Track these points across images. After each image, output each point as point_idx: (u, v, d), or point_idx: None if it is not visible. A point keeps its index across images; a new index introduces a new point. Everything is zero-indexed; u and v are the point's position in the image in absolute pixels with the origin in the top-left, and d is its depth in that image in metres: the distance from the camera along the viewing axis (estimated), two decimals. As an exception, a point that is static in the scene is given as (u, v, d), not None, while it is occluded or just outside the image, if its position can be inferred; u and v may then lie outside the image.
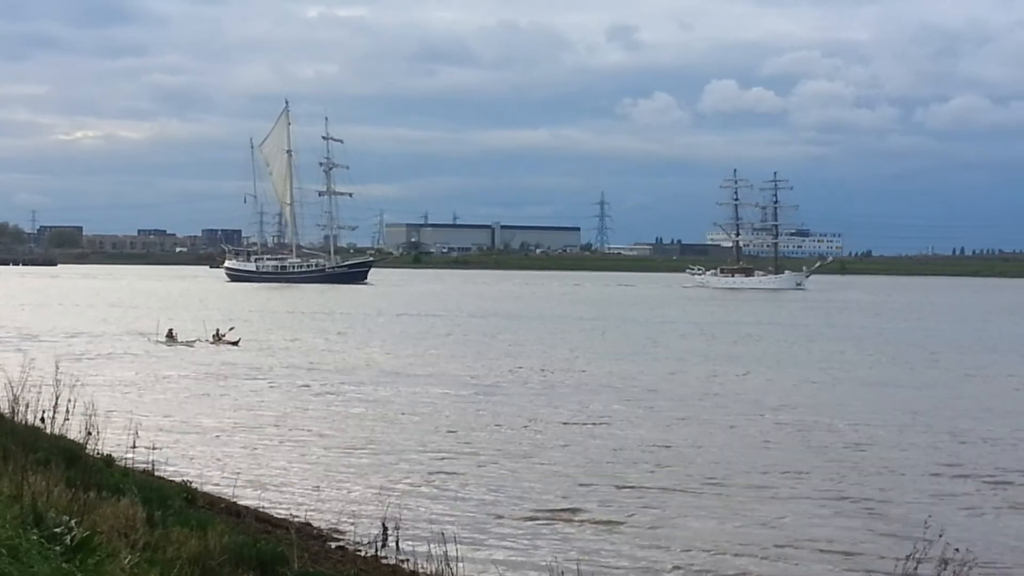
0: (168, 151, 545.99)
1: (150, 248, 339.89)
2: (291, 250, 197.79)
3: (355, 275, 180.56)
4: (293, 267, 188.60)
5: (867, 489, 25.14)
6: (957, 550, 12.21)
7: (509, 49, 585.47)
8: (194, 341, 57.76)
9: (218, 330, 59.69)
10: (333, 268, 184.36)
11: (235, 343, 57.96)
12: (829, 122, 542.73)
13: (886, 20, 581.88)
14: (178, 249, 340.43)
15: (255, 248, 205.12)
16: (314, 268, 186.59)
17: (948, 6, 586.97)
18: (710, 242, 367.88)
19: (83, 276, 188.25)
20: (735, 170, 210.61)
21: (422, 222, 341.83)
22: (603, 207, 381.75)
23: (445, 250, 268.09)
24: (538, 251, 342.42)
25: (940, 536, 12.43)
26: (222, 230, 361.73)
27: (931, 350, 63.24)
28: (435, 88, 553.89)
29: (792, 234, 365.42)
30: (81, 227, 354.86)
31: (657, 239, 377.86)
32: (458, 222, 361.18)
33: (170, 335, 58.69)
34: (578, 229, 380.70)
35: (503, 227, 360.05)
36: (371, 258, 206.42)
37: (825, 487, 25.35)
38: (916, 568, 11.89)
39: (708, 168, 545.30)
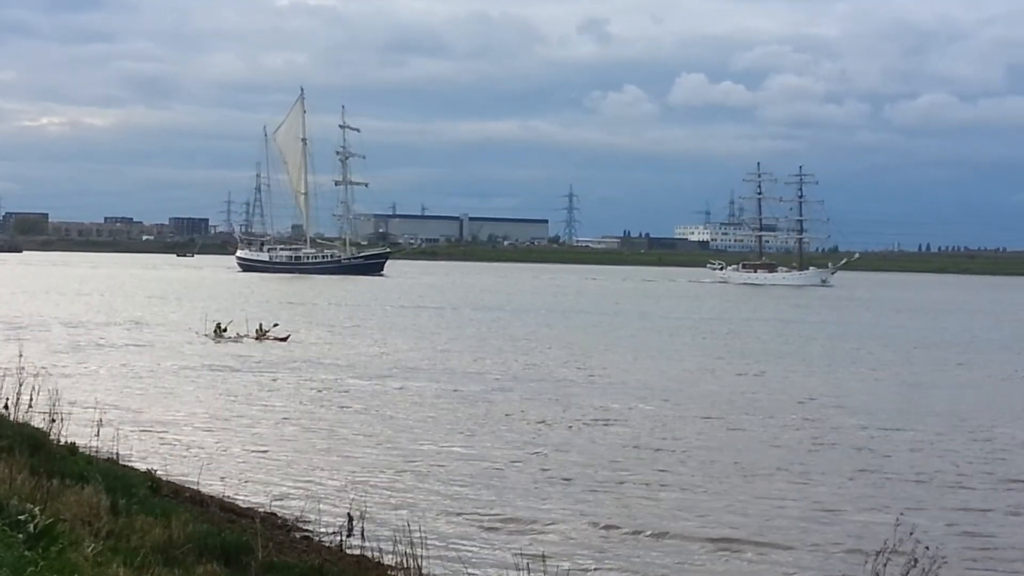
0: (135, 139, 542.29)
1: (116, 236, 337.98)
2: (305, 240, 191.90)
3: (371, 267, 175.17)
4: (307, 257, 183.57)
5: (842, 486, 25.24)
6: (927, 548, 12.22)
7: (480, 40, 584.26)
8: (244, 336, 56.15)
9: (260, 325, 57.71)
10: (349, 259, 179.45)
11: (284, 339, 56.01)
12: (798, 117, 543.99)
13: (857, 16, 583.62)
14: (145, 237, 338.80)
15: (268, 238, 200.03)
16: (329, 259, 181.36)
17: (918, 3, 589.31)
18: (678, 236, 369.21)
19: (65, 264, 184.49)
20: (759, 163, 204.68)
21: (390, 213, 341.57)
22: (571, 200, 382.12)
23: (413, 241, 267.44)
24: (506, 243, 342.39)
25: (911, 534, 12.42)
26: (189, 219, 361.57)
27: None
28: (405, 79, 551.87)
29: (759, 229, 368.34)
30: (47, 214, 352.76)
31: (625, 232, 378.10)
32: (426, 213, 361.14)
33: (218, 330, 56.84)
34: (546, 221, 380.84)
35: (471, 219, 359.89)
36: (388, 249, 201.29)
37: (799, 484, 25.39)
38: (886, 565, 11.90)
39: (676, 162, 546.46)
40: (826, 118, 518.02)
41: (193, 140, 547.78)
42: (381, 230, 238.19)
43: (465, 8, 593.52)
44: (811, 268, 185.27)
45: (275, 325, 58.06)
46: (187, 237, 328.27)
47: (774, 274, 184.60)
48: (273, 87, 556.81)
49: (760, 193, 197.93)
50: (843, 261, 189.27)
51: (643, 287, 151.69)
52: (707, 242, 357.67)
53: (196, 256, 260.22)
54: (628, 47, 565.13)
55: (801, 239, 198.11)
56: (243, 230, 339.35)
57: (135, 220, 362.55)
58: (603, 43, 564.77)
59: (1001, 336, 75.25)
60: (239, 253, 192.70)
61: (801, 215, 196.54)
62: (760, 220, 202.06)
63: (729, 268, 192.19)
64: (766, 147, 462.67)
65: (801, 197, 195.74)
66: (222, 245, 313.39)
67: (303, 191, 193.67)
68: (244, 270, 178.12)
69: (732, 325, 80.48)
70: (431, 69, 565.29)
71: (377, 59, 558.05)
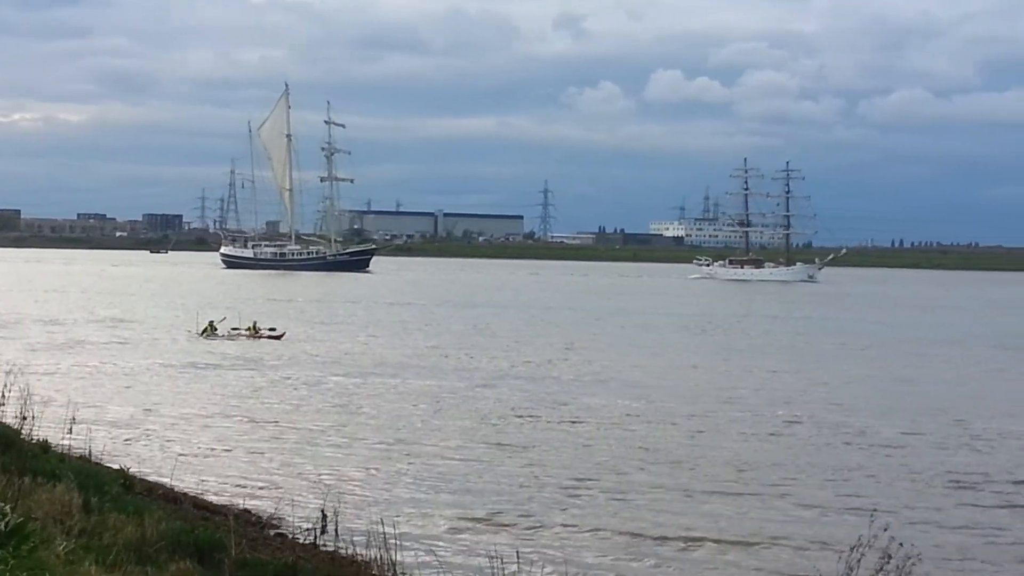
0: (110, 135, 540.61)
1: (90, 232, 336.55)
2: (290, 237, 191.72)
3: (357, 263, 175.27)
4: (292, 254, 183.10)
5: (818, 483, 25.34)
6: (901, 544, 12.25)
7: (456, 36, 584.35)
8: (236, 335, 55.67)
9: (255, 323, 57.42)
10: (335, 256, 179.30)
11: (278, 337, 55.62)
12: (774, 113, 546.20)
13: (834, 12, 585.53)
14: (118, 234, 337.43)
15: (252, 235, 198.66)
16: (314, 255, 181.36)
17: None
18: (653, 231, 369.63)
19: (39, 261, 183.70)
20: (745, 159, 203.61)
21: (365, 209, 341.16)
22: (546, 196, 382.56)
23: (388, 237, 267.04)
24: (481, 239, 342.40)
25: (885, 530, 12.45)
26: (163, 215, 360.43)
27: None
28: (381, 75, 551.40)
29: (734, 225, 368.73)
30: (19, 210, 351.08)
31: (600, 228, 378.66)
32: (401, 209, 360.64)
33: (210, 328, 56.29)
34: (521, 217, 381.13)
35: (446, 215, 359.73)
36: (373, 245, 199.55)
37: (773, 481, 25.45)
38: (860, 560, 11.92)
39: (652, 158, 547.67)
40: (802, 114, 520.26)
41: (168, 136, 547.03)
42: (356, 226, 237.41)
43: (442, 4, 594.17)
44: (798, 264, 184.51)
45: (272, 329, 57.47)
46: (161, 234, 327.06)
47: (761, 270, 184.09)
48: (249, 83, 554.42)
49: (747, 189, 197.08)
50: (830, 257, 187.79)
51: (628, 283, 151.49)
52: (682, 238, 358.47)
53: (170, 253, 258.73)
54: (604, 43, 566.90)
55: (788, 235, 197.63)
56: (217, 227, 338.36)
57: (108, 216, 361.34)
58: (579, 39, 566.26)
59: (991, 332, 75.28)
60: (223, 250, 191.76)
61: (788, 211, 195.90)
62: (747, 216, 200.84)
63: (716, 264, 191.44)
64: (742, 143, 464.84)
65: (788, 193, 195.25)
66: (196, 242, 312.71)
67: (288, 187, 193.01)
68: (228, 267, 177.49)
69: (722, 322, 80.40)
70: (407, 65, 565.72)
71: (353, 55, 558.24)
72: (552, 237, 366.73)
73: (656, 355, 53.68)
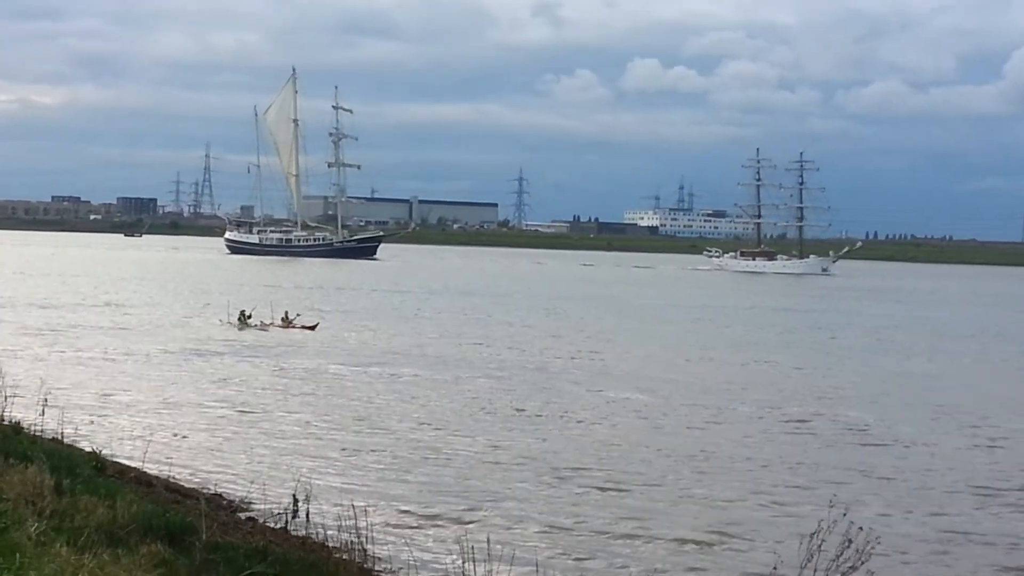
0: (84, 117, 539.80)
1: (64, 215, 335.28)
2: (295, 223, 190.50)
3: (364, 250, 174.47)
4: (299, 240, 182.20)
5: (786, 473, 25.51)
6: (861, 528, 12.40)
7: (432, 23, 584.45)
8: (269, 324, 54.31)
9: (287, 313, 56.06)
10: (342, 242, 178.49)
11: (311, 327, 54.33)
12: (750, 103, 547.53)
13: (811, 3, 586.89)
14: (92, 216, 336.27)
15: (257, 220, 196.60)
16: (321, 242, 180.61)
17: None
18: (628, 220, 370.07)
19: (24, 244, 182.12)
20: (758, 149, 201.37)
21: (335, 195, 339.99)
22: (521, 183, 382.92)
23: (362, 224, 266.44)
24: (455, 226, 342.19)
25: (844, 515, 12.60)
26: (137, 198, 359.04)
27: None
28: (356, 61, 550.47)
29: (709, 215, 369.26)
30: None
31: (575, 217, 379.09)
32: (376, 196, 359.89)
33: (243, 317, 54.96)
34: (496, 205, 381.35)
35: (421, 201, 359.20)
36: (380, 233, 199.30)
37: (743, 473, 25.60)
38: (820, 546, 12.06)
39: (628, 147, 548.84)
40: (778, 104, 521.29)
41: (142, 119, 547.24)
42: (329, 212, 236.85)
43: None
44: (812, 256, 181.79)
45: (298, 315, 56.45)
46: (135, 217, 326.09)
47: (773, 262, 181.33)
48: (224, 67, 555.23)
49: (759, 180, 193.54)
50: (845, 250, 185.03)
51: (635, 274, 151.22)
52: (656, 227, 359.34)
53: (144, 236, 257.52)
54: (581, 31, 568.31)
55: (801, 226, 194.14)
56: (192, 211, 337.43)
57: (83, 199, 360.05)
58: (555, 27, 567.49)
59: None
60: (228, 235, 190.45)
61: (801, 202, 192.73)
62: (759, 207, 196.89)
63: (726, 256, 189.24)
64: (718, 133, 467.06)
65: (802, 184, 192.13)
66: (171, 225, 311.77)
67: (294, 173, 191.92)
68: (233, 252, 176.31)
69: (736, 314, 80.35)
70: (383, 51, 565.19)
71: (328, 40, 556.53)
72: (526, 225, 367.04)
73: (659, 348, 53.24)
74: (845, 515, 12.57)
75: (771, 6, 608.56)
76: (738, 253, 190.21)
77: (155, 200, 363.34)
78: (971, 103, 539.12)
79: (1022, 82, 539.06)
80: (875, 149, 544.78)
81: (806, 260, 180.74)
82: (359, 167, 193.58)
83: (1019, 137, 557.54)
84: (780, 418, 33.17)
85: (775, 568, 12.78)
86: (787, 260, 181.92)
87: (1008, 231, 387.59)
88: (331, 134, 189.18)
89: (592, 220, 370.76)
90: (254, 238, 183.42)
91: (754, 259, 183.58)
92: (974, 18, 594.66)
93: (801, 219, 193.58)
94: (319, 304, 63.89)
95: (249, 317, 55.10)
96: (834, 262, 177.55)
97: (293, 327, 54.42)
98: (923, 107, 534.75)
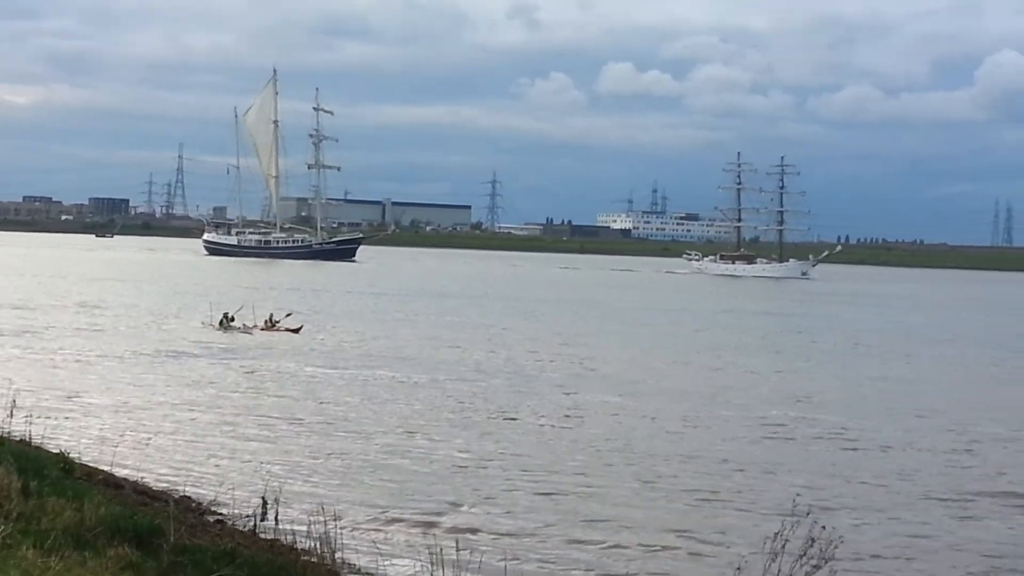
0: (57, 117, 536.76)
1: (35, 215, 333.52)
2: (275, 224, 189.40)
3: (343, 252, 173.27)
4: (278, 242, 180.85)
5: (753, 476, 25.59)
6: (824, 527, 12.46)
7: (408, 25, 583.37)
8: (252, 327, 53.60)
9: (271, 315, 55.31)
10: (320, 244, 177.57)
11: (296, 330, 53.65)
12: (724, 108, 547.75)
13: (784, 7, 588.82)
14: (64, 217, 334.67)
15: (236, 221, 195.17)
16: (300, 244, 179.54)
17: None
18: (600, 223, 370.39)
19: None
20: (739, 153, 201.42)
21: (312, 196, 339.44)
22: (495, 186, 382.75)
23: (335, 225, 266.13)
24: (428, 228, 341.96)
25: (808, 515, 12.67)
26: (109, 199, 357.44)
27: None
28: (332, 62, 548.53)
29: (681, 218, 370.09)
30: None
31: (548, 220, 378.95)
32: (349, 197, 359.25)
33: (225, 319, 54.25)
34: (469, 207, 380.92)
35: (394, 203, 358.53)
36: (360, 234, 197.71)
37: (712, 478, 25.66)
38: (784, 547, 12.13)
39: (602, 150, 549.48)
40: (752, 109, 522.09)
41: (116, 120, 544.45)
42: (303, 214, 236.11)
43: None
44: (791, 260, 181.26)
45: (288, 315, 55.73)
46: (107, 218, 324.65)
47: (753, 266, 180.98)
48: (199, 67, 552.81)
49: (739, 184, 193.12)
50: (824, 253, 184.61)
51: (613, 277, 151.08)
52: (629, 230, 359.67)
53: (116, 237, 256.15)
54: (556, 34, 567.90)
55: (782, 230, 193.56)
56: (164, 212, 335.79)
57: (55, 200, 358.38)
58: (531, 30, 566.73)
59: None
60: (206, 236, 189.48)
61: (782, 206, 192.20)
62: (739, 211, 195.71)
63: (706, 259, 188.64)
64: (691, 137, 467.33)
65: (782, 188, 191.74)
66: (143, 226, 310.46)
67: (274, 174, 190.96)
68: (211, 253, 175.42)
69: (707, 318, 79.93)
70: (359, 53, 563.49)
71: (305, 42, 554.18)
72: (499, 228, 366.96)
73: (638, 351, 53.22)
74: (808, 515, 12.65)
75: (745, 11, 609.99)
76: (717, 257, 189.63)
77: (127, 201, 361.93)
78: (943, 109, 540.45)
79: (994, 88, 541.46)
80: (848, 154, 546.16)
81: (786, 264, 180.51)
82: (339, 169, 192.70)
83: (990, 143, 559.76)
84: (757, 421, 33.21)
85: (739, 569, 12.82)
86: (767, 264, 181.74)
87: (978, 235, 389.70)
88: (311, 135, 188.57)
89: (565, 223, 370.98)
90: (233, 239, 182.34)
91: (733, 263, 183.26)
92: (947, 24, 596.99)
93: (781, 223, 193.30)
94: (298, 306, 63.57)
95: (232, 320, 54.58)
96: (813, 266, 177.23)
97: (277, 329, 53.99)
98: (895, 112, 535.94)
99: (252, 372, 40.15)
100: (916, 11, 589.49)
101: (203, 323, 55.38)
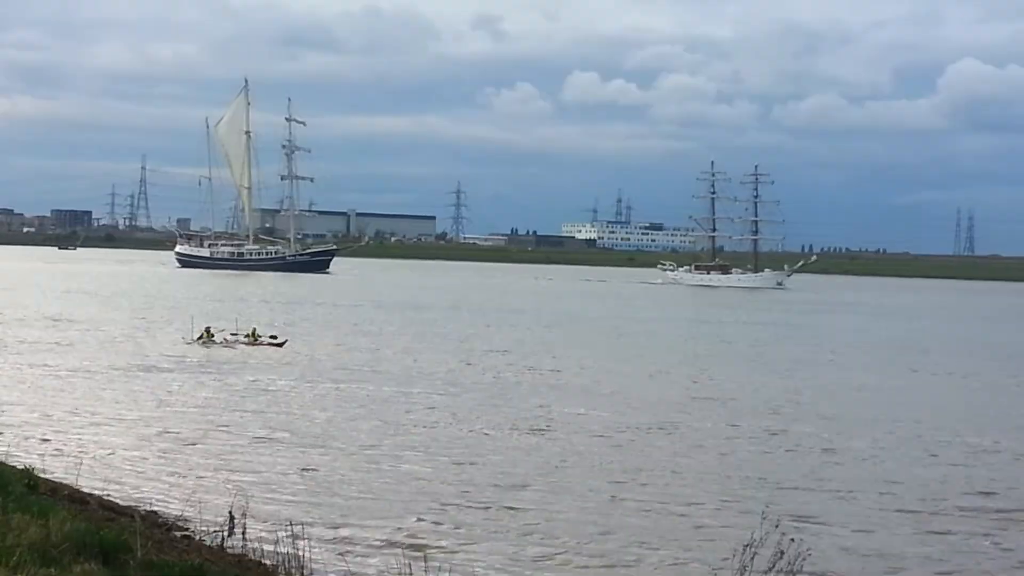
0: (19, 129, 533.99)
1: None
2: (248, 236, 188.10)
3: (317, 264, 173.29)
4: (251, 254, 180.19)
5: (729, 485, 25.60)
6: (792, 540, 12.50)
7: (372, 35, 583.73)
8: (234, 341, 53.28)
9: (254, 330, 55.08)
10: (295, 256, 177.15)
11: (279, 344, 53.27)
12: (689, 117, 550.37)
13: (748, 17, 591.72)
14: (26, 229, 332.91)
15: (208, 233, 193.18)
16: (274, 256, 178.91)
17: (809, 5, 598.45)
18: (565, 234, 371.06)
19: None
20: (712, 162, 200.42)
21: (277, 208, 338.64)
22: (459, 196, 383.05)
23: (299, 236, 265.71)
24: (393, 239, 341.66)
25: (776, 527, 12.70)
26: (71, 211, 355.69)
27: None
28: (296, 73, 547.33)
29: (646, 228, 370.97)
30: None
31: (512, 230, 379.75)
32: (314, 208, 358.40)
33: (207, 334, 53.89)
34: (434, 218, 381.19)
35: (359, 215, 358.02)
36: (334, 246, 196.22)
37: (683, 488, 25.69)
38: (753, 559, 12.15)
39: (567, 160, 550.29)
40: (717, 118, 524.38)
41: (78, 131, 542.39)
42: (268, 225, 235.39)
43: (358, 2, 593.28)
44: (767, 270, 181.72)
45: (273, 336, 55.36)
46: (69, 230, 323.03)
47: (728, 276, 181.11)
48: (162, 78, 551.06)
49: (713, 193, 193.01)
50: (800, 263, 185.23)
51: (590, 288, 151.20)
52: (594, 240, 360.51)
53: (79, 249, 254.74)
54: (521, 44, 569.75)
55: (756, 239, 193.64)
56: (127, 223, 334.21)
57: (16, 212, 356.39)
58: (496, 40, 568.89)
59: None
60: (178, 248, 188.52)
61: (756, 215, 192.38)
62: (713, 220, 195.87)
63: (681, 269, 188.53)
64: (656, 146, 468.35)
65: (756, 197, 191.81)
66: (105, 238, 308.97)
67: (246, 185, 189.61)
68: (184, 266, 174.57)
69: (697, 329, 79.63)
70: (322, 63, 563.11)
71: (269, 52, 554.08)
72: (464, 238, 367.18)
73: (615, 362, 53.12)
74: (778, 527, 12.69)
75: (710, 21, 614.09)
76: (692, 267, 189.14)
77: (90, 213, 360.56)
78: (906, 117, 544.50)
79: (956, 96, 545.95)
80: (811, 162, 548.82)
81: (761, 274, 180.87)
82: (312, 180, 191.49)
83: (953, 151, 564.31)
84: (731, 433, 33.27)
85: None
86: (742, 274, 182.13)
87: (941, 244, 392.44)
88: (284, 146, 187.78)
89: (530, 233, 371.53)
90: (205, 251, 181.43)
91: (709, 273, 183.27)
92: (910, 33, 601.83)
93: (756, 232, 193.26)
94: (274, 319, 63.35)
95: (212, 336, 54.15)
96: (789, 276, 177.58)
97: (260, 344, 53.55)
98: (859, 121, 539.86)
99: (224, 386, 39.89)
100: (876, 20, 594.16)
101: (184, 338, 54.75)
